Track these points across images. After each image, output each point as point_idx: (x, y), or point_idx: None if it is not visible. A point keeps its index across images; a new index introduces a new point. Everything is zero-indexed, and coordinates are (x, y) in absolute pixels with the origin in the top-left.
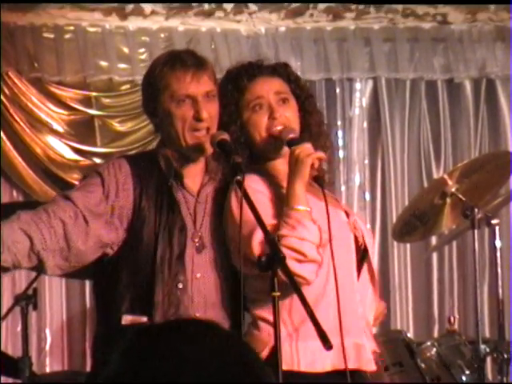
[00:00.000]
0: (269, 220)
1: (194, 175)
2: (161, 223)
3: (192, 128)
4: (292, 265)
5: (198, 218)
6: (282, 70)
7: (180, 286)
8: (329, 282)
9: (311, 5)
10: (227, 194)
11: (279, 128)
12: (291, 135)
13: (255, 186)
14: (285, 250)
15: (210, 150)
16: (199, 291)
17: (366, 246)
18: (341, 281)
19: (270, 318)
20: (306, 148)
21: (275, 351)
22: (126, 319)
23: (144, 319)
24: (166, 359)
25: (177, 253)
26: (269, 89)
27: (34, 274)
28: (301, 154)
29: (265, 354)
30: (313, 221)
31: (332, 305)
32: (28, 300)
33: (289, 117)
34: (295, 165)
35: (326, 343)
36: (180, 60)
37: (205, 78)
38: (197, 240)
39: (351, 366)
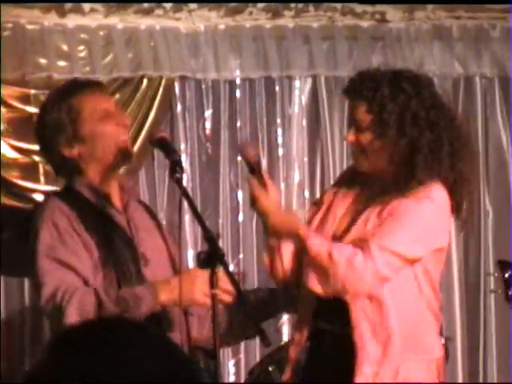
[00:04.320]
0: None
1: (116, 193)
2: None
3: (120, 136)
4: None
5: (133, 234)
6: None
7: None
8: None
9: (250, 3)
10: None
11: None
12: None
13: None
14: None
15: (133, 152)
16: None
17: None
18: None
19: None
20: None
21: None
22: None
23: None
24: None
25: (135, 270)
26: None
27: None
28: None
29: None
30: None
31: None
32: None
33: None
34: None
35: (265, 341)
36: (78, 86)
37: (107, 94)
38: (139, 255)
39: None
